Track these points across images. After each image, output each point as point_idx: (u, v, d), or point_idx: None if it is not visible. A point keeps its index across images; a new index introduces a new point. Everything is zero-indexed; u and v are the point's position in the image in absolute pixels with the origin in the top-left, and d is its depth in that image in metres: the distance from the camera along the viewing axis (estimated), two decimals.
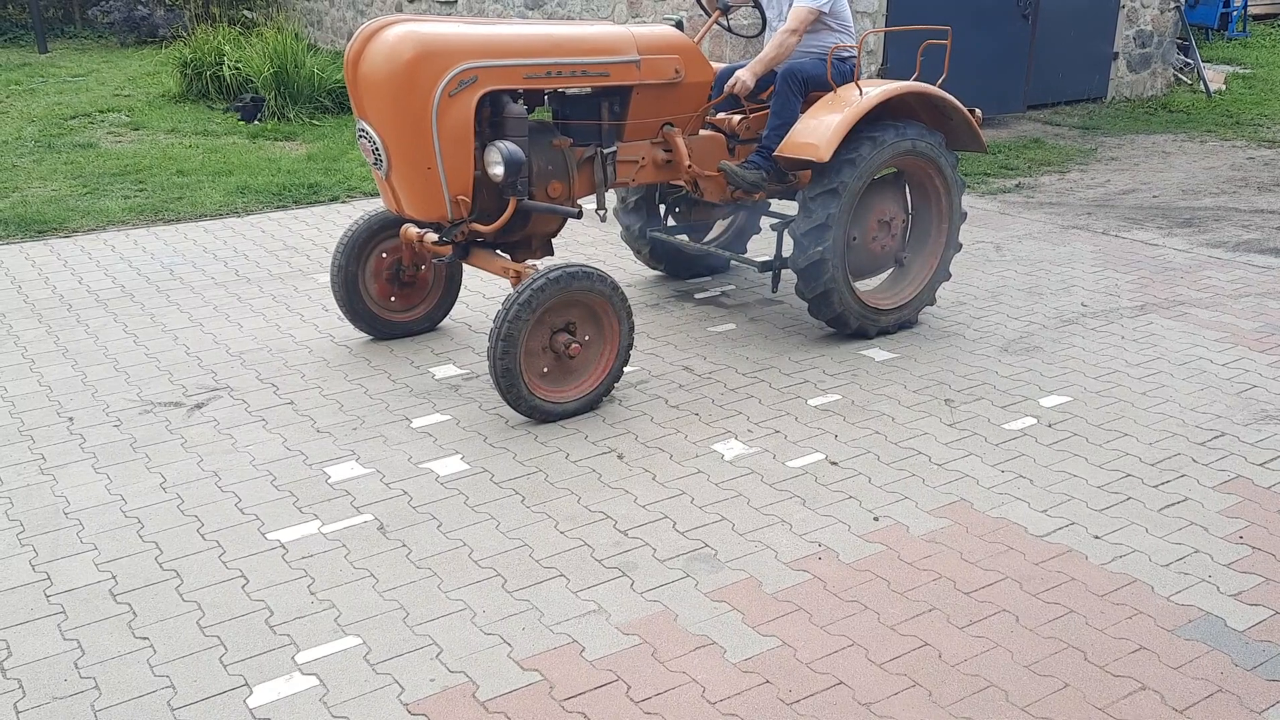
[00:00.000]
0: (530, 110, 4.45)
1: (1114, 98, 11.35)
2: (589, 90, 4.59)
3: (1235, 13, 15.33)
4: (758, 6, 5.11)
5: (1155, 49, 11.54)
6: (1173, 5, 11.48)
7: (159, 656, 2.86)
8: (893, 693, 2.74)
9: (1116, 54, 11.18)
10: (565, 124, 4.61)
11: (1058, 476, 3.82)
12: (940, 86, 4.97)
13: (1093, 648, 2.91)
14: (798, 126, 4.78)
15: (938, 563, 3.30)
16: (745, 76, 4.89)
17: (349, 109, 10.27)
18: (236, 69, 10.56)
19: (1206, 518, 3.56)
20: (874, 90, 4.77)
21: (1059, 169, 8.69)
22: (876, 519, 3.54)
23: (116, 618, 3.01)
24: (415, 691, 2.74)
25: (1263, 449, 4.02)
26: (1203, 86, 11.73)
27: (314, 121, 10.04)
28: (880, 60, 9.25)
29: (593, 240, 6.62)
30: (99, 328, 5.15)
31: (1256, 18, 16.48)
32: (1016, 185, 8.16)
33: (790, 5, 4.95)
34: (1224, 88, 11.96)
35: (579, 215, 4.41)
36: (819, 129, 4.67)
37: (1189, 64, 12.13)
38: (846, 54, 5.00)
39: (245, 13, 15.27)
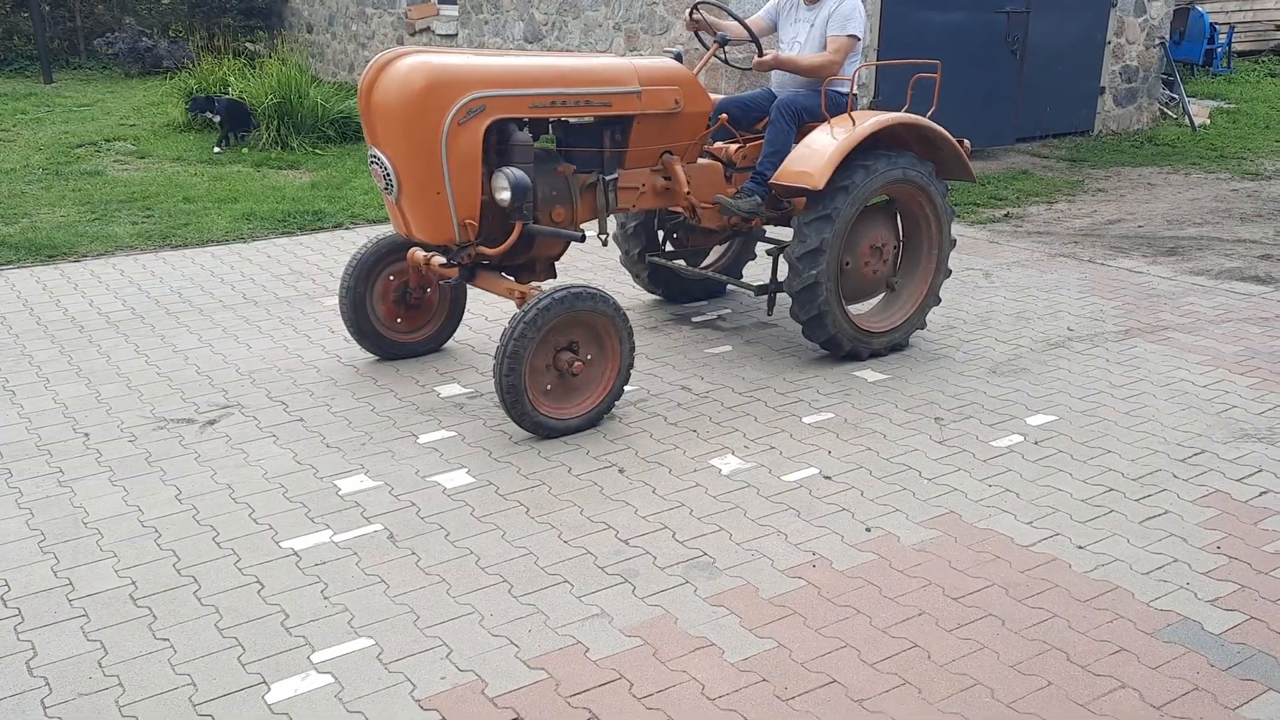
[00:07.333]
0: (535, 138, 4.62)
1: (1101, 131, 11.58)
2: (592, 119, 4.76)
3: (1219, 49, 15.63)
4: (754, 41, 5.29)
5: (1141, 84, 11.80)
6: (1158, 41, 11.75)
7: (179, 656, 2.98)
8: (884, 690, 2.87)
9: (1103, 89, 11.43)
10: (569, 151, 4.78)
11: (1043, 490, 3.96)
12: (930, 118, 5.15)
13: (1075, 649, 3.04)
14: (793, 155, 4.94)
15: (927, 570, 3.43)
16: (768, 59, 5.07)
17: (352, 138, 10.47)
18: (240, 100, 10.74)
19: (1186, 529, 3.69)
20: (867, 121, 4.94)
21: (1047, 199, 8.88)
22: (869, 530, 3.67)
23: (137, 620, 3.13)
24: (427, 689, 2.86)
25: (1241, 465, 4.16)
26: (1188, 121, 11.98)
27: (317, 151, 10.22)
28: (872, 93, 9.46)
29: (593, 265, 6.78)
30: (111, 348, 5.28)
31: (1240, 54, 16.79)
32: (1005, 215, 8.35)
33: (808, 34, 5.14)
34: (1208, 122, 12.21)
35: (582, 239, 4.57)
36: (813, 157, 4.84)
37: (1174, 99, 12.38)
38: (841, 86, 5.19)
39: (249, 45, 15.49)
